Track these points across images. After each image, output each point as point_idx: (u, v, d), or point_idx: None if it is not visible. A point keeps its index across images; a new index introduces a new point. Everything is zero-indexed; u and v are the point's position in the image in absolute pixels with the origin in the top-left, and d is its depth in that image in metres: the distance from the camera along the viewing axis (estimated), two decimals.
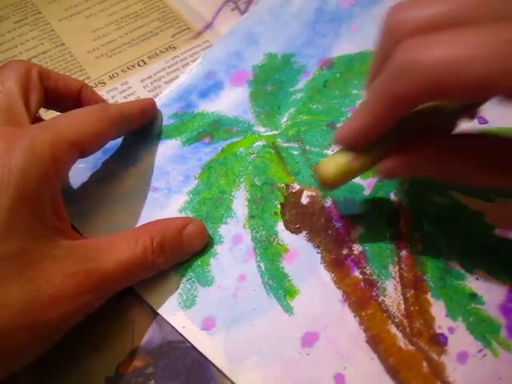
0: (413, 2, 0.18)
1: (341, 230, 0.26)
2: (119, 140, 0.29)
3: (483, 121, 0.29)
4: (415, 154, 0.20)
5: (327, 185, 0.22)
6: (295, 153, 0.29)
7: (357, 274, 0.25)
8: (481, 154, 0.20)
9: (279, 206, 0.27)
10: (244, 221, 0.27)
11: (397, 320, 0.23)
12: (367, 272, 0.25)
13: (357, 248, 0.25)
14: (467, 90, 0.16)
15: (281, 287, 0.24)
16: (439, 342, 0.22)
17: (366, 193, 0.27)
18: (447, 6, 0.17)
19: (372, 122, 0.20)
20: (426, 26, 0.17)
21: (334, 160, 0.21)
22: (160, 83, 0.33)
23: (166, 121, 0.31)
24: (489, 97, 0.18)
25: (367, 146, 0.21)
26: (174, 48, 0.35)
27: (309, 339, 0.23)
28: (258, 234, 0.26)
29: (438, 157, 0.20)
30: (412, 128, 0.21)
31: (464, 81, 0.16)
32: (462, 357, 0.22)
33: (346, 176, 0.21)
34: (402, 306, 0.23)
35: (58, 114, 0.27)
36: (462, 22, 0.17)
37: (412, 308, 0.23)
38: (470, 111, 0.23)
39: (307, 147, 0.29)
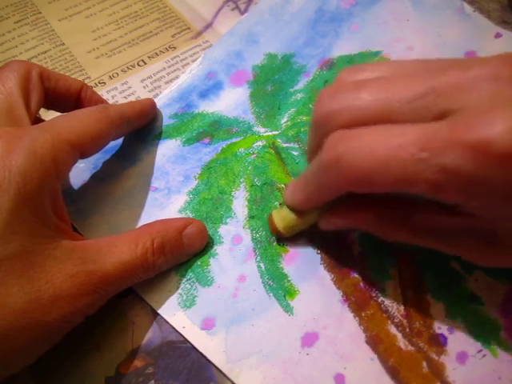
0: (339, 92, 0.19)
1: (341, 230, 0.26)
2: (119, 140, 0.29)
3: None
4: (352, 217, 0.22)
5: (278, 235, 0.25)
6: (295, 153, 0.29)
7: (356, 274, 0.25)
8: (417, 222, 0.21)
9: (279, 206, 0.27)
10: (244, 221, 0.27)
11: (396, 320, 0.23)
12: (367, 272, 0.25)
13: (356, 248, 0.25)
14: (385, 188, 0.18)
15: (281, 287, 0.24)
16: (439, 342, 0.23)
17: None
18: (370, 103, 0.18)
19: (308, 198, 0.22)
20: (350, 122, 0.19)
21: (281, 216, 0.24)
22: (160, 83, 0.33)
23: (166, 121, 0.31)
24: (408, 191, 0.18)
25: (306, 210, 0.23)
26: (174, 48, 0.35)
27: (309, 339, 0.23)
28: (257, 235, 0.26)
29: (375, 220, 0.21)
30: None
31: (380, 182, 0.17)
32: (462, 357, 0.22)
33: (293, 230, 0.25)
34: (402, 307, 0.24)
35: (58, 114, 0.27)
36: (382, 118, 0.18)
37: (412, 308, 0.23)
38: None
39: (307, 148, 0.29)
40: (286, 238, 0.25)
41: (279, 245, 0.26)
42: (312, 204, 0.22)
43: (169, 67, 0.34)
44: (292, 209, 0.24)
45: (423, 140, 0.17)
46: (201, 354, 0.23)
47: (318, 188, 0.21)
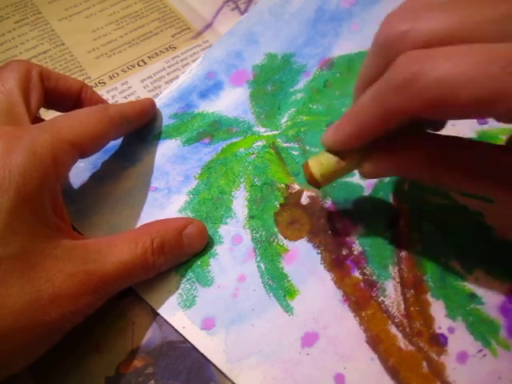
0: (411, 12, 0.18)
1: (341, 230, 0.26)
2: (119, 140, 0.29)
3: (483, 121, 0.29)
4: (401, 156, 0.20)
5: (314, 184, 0.22)
6: (295, 153, 0.29)
7: (357, 274, 0.25)
8: (468, 163, 0.20)
9: (279, 207, 0.27)
10: (244, 221, 0.27)
11: (397, 320, 0.23)
12: (367, 272, 0.25)
13: (357, 248, 0.25)
14: (464, 110, 0.16)
15: (281, 287, 0.24)
16: (439, 342, 0.23)
17: (366, 193, 0.27)
18: (448, 21, 0.17)
19: (361, 130, 0.20)
20: (426, 42, 0.17)
21: (319, 161, 0.22)
22: (160, 83, 0.33)
23: (166, 121, 0.31)
24: (485, 116, 0.17)
25: (349, 151, 0.21)
26: (174, 48, 0.35)
27: (309, 339, 0.23)
28: (257, 235, 0.26)
29: (426, 160, 0.20)
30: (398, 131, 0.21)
31: (463, 100, 0.16)
32: (462, 357, 0.22)
33: (331, 177, 0.22)
34: (402, 307, 0.24)
35: (58, 114, 0.27)
36: (462, 39, 0.17)
37: (412, 308, 0.23)
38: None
39: (307, 147, 0.29)
40: (319, 188, 0.23)
41: (279, 245, 0.26)
42: (363, 137, 0.20)
43: (169, 67, 0.34)
44: (333, 151, 0.21)
45: None
46: (201, 354, 0.23)
47: (377, 115, 0.18)
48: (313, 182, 0.22)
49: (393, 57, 0.17)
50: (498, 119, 0.17)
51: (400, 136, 0.20)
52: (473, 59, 0.16)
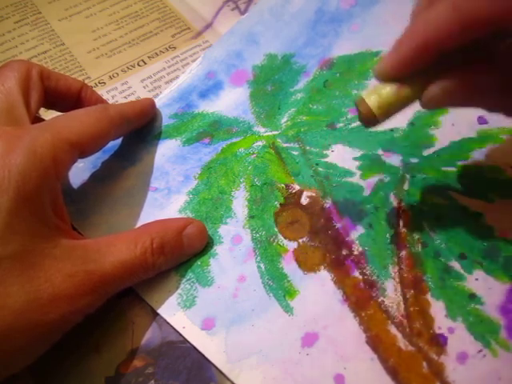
0: None
1: (341, 230, 0.26)
2: (119, 140, 0.29)
3: (483, 121, 0.29)
4: (473, 79, 0.19)
5: (370, 121, 0.20)
6: (295, 153, 0.29)
7: (357, 274, 0.25)
8: None
9: (279, 207, 0.27)
10: (244, 221, 0.27)
11: (396, 320, 0.23)
12: (367, 272, 0.25)
13: (357, 248, 0.25)
14: None
15: (280, 287, 0.24)
16: (439, 342, 0.23)
17: (366, 193, 0.27)
18: None
19: (429, 46, 0.18)
20: None
21: (376, 92, 0.20)
22: (160, 83, 0.33)
23: (166, 121, 0.31)
24: None
25: (410, 77, 0.19)
26: (174, 48, 0.35)
27: (309, 339, 0.23)
28: (257, 235, 0.26)
29: (497, 85, 0.19)
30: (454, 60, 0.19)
31: None
32: (462, 357, 0.22)
33: (391, 109, 0.20)
34: (402, 307, 0.23)
35: (58, 113, 0.27)
36: None
37: (412, 308, 0.23)
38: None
39: (307, 148, 0.29)
40: (374, 126, 0.21)
41: (279, 245, 0.26)
42: (430, 56, 0.18)
43: (169, 67, 0.34)
44: (391, 79, 0.20)
45: None
46: (201, 354, 0.23)
47: (453, 23, 0.17)
48: (369, 117, 0.20)
49: None
50: None
51: (457, 66, 0.19)
52: None
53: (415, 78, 0.19)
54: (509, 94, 0.19)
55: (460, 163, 0.27)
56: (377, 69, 0.20)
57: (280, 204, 0.27)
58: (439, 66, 0.19)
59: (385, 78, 0.20)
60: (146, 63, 0.34)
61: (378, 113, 0.20)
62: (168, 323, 0.24)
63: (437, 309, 0.23)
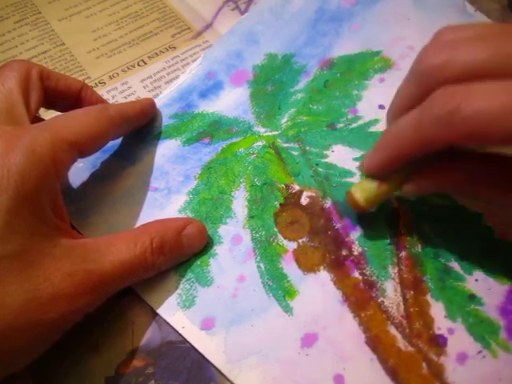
0: (449, 44, 0.19)
1: (340, 230, 0.26)
2: (119, 140, 0.29)
3: None
4: (445, 175, 0.21)
5: (360, 210, 0.24)
6: (295, 153, 0.29)
7: (356, 274, 0.25)
8: (505, 178, 0.20)
9: (279, 207, 0.27)
10: (244, 221, 0.27)
11: (396, 321, 0.23)
12: (367, 273, 0.25)
13: (356, 249, 0.25)
14: (499, 140, 0.17)
15: (280, 288, 0.24)
16: (438, 343, 0.23)
17: None
18: (483, 54, 0.18)
19: (399, 155, 0.21)
20: (463, 73, 0.18)
21: (361, 187, 0.23)
22: (160, 83, 0.33)
23: (166, 121, 0.31)
24: None
25: (390, 174, 0.22)
26: (174, 48, 0.35)
27: (308, 340, 0.23)
28: (257, 235, 0.26)
29: (467, 178, 0.21)
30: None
31: (498, 131, 0.17)
32: (462, 358, 0.22)
33: (375, 201, 0.23)
34: (402, 307, 0.23)
35: (58, 114, 0.27)
36: (496, 71, 0.18)
37: (411, 309, 0.23)
38: None
39: (307, 148, 0.29)
40: (366, 213, 0.24)
41: (279, 245, 0.26)
42: (400, 161, 0.21)
43: (169, 67, 0.34)
44: (372, 176, 0.23)
45: None
46: (201, 354, 0.23)
47: (416, 142, 0.20)
48: (358, 207, 0.24)
49: (431, 86, 0.19)
50: None
51: (439, 158, 0.21)
52: (506, 96, 0.17)
53: (394, 175, 0.22)
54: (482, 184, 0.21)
55: None
56: (361, 165, 0.23)
57: (280, 204, 0.27)
58: (413, 165, 0.21)
59: (367, 175, 0.23)
60: (146, 63, 0.34)
61: (364, 204, 0.23)
62: (168, 323, 0.24)
63: (436, 309, 0.23)
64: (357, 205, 0.23)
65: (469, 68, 0.18)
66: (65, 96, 0.26)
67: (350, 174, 0.28)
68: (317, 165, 0.28)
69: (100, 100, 0.28)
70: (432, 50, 0.20)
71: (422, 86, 0.20)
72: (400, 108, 0.22)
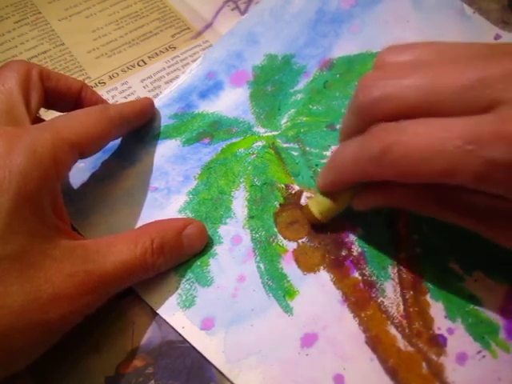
0: (382, 79, 0.20)
1: (340, 230, 0.26)
2: (119, 140, 0.29)
3: None
4: (390, 193, 0.22)
5: (315, 222, 0.25)
6: (295, 154, 0.29)
7: (356, 274, 0.25)
8: (453, 199, 0.21)
9: (279, 207, 0.27)
10: (243, 221, 0.27)
11: (396, 321, 0.23)
12: (366, 273, 0.25)
13: (356, 249, 0.25)
14: (429, 179, 0.18)
15: (280, 288, 0.24)
16: (438, 343, 0.23)
17: None
18: (415, 92, 0.19)
19: (342, 180, 0.22)
20: (396, 110, 0.19)
21: (317, 201, 0.25)
22: (160, 83, 0.33)
23: (166, 121, 0.31)
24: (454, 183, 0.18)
25: (341, 190, 0.24)
26: (174, 48, 0.35)
27: (308, 340, 0.23)
28: (257, 235, 0.26)
29: (412, 196, 0.22)
30: None
31: (426, 172, 0.18)
32: (461, 358, 0.22)
33: (329, 214, 0.25)
34: (402, 307, 0.24)
35: (58, 114, 0.27)
36: (428, 108, 0.18)
37: (411, 309, 0.23)
38: None
39: (307, 148, 0.29)
40: (322, 226, 0.25)
41: (279, 245, 0.26)
42: (345, 184, 0.23)
43: (169, 67, 0.34)
44: (325, 193, 0.24)
45: (469, 133, 0.17)
46: (201, 354, 0.23)
47: (356, 173, 0.21)
48: (314, 220, 0.25)
49: (368, 121, 0.20)
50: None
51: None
52: (432, 138, 0.18)
53: (345, 192, 0.24)
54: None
55: None
56: (316, 182, 0.25)
57: (280, 204, 0.27)
58: (361, 183, 0.22)
59: (322, 191, 0.24)
60: (146, 63, 0.34)
61: (320, 217, 0.25)
62: (168, 323, 0.24)
63: (436, 309, 0.23)
64: (313, 217, 0.25)
65: (401, 106, 0.19)
66: (65, 96, 0.26)
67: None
68: (316, 165, 0.28)
69: (100, 100, 0.28)
70: (368, 82, 0.20)
71: (360, 120, 0.21)
72: (345, 133, 0.23)
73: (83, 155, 0.23)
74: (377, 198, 0.23)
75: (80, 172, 0.28)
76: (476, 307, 0.23)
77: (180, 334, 0.24)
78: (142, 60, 0.35)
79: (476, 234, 0.25)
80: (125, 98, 0.33)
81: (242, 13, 0.37)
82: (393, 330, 0.23)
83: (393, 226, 0.26)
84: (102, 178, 0.28)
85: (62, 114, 0.26)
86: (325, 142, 0.29)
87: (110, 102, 0.32)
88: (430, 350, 0.22)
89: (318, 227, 0.26)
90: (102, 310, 0.22)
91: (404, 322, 0.23)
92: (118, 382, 0.23)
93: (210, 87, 0.32)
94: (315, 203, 0.25)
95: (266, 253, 0.25)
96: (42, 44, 0.36)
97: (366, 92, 0.20)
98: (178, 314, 0.24)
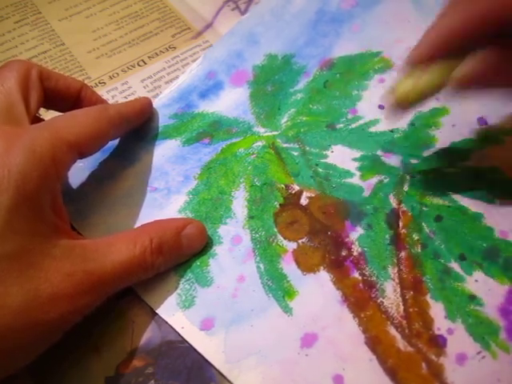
0: None
1: (340, 231, 0.26)
2: (118, 140, 0.29)
3: (483, 122, 0.29)
4: (494, 63, 0.20)
5: (403, 106, 0.23)
6: (295, 153, 0.29)
7: (356, 275, 0.25)
8: None
9: (278, 207, 0.27)
10: (243, 221, 0.27)
11: (396, 321, 0.23)
12: (366, 273, 0.25)
13: (356, 249, 0.25)
14: None
15: (280, 288, 0.24)
16: (438, 343, 0.23)
17: (366, 194, 0.27)
18: None
19: (450, 35, 0.20)
20: None
21: (407, 81, 0.22)
22: (160, 83, 0.33)
23: (166, 121, 0.31)
24: None
25: (441, 61, 0.21)
26: (174, 48, 0.35)
27: (308, 340, 0.23)
28: (257, 235, 0.26)
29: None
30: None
31: None
32: (461, 358, 0.22)
33: (421, 95, 0.22)
34: (401, 308, 0.23)
35: (58, 113, 0.27)
36: None
37: (411, 309, 0.23)
38: None
39: (307, 148, 0.29)
40: (408, 110, 0.23)
41: (278, 245, 0.26)
42: (452, 43, 0.21)
43: (169, 67, 0.34)
44: (422, 63, 0.22)
45: None
46: (200, 354, 0.23)
47: (466, 20, 0.20)
48: (401, 103, 0.22)
49: None
50: None
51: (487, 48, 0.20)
52: None
53: (441, 65, 0.21)
54: None
55: (460, 164, 0.27)
56: (408, 58, 0.22)
57: (280, 204, 0.27)
58: (464, 53, 0.21)
59: (417, 62, 0.22)
60: (146, 63, 0.34)
61: (412, 96, 0.22)
62: (167, 323, 0.24)
63: (436, 310, 0.23)
64: (401, 98, 0.22)
65: None
66: (64, 96, 0.26)
67: (349, 174, 0.28)
68: (316, 165, 0.28)
69: (100, 100, 0.28)
70: None
71: None
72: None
73: (82, 155, 0.23)
74: (480, 68, 0.20)
75: (79, 172, 0.28)
76: (476, 307, 0.23)
77: (180, 335, 0.24)
78: (142, 60, 0.35)
79: (476, 233, 0.25)
80: (125, 98, 0.33)
81: (243, 13, 0.37)
82: (392, 331, 0.23)
83: (393, 226, 0.26)
84: (101, 178, 0.28)
85: (61, 113, 0.26)
86: (325, 141, 0.29)
87: (110, 102, 0.32)
88: (429, 351, 0.22)
89: (404, 109, 0.23)
90: (102, 309, 0.22)
91: (404, 322, 0.23)
92: (117, 382, 0.23)
93: (210, 87, 0.32)
94: (405, 83, 0.22)
95: (266, 253, 0.25)
96: (42, 44, 0.36)
97: None
98: (177, 314, 0.24)
